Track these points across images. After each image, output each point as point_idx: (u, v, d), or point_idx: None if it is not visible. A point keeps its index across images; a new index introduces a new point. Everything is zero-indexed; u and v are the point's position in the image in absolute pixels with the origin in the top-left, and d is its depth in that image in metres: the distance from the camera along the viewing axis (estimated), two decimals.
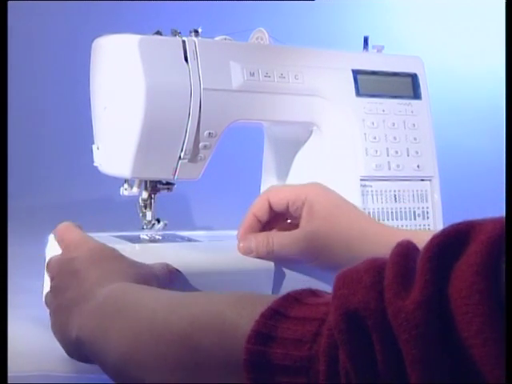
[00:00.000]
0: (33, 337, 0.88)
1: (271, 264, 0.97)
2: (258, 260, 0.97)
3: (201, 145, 1.02)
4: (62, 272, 0.81)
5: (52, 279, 0.83)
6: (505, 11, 1.11)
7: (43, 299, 0.86)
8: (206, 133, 1.02)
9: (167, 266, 0.90)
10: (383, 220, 1.11)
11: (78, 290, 0.77)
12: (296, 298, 0.58)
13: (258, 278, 0.96)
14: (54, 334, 0.80)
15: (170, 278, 0.89)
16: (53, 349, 0.82)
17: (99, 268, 0.80)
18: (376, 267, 0.54)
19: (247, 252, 0.97)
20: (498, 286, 0.48)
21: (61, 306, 0.78)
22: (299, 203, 0.96)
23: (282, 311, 0.57)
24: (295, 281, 0.97)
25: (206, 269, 0.95)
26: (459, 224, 0.53)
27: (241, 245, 0.98)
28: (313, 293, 0.60)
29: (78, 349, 0.74)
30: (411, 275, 0.52)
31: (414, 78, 1.18)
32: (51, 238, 1.02)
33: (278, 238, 0.96)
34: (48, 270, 0.86)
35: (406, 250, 0.54)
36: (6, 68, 0.95)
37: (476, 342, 0.48)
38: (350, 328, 0.52)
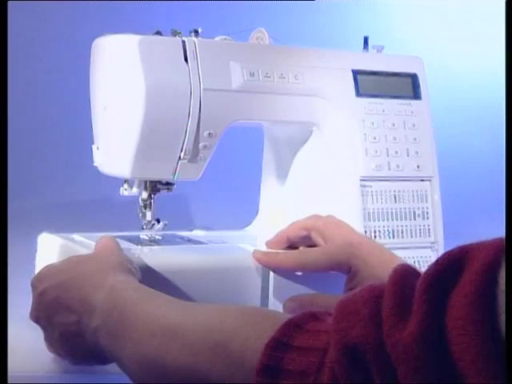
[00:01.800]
0: (33, 337, 0.88)
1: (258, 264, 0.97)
2: (246, 259, 0.97)
3: (201, 145, 1.02)
4: (44, 307, 0.81)
5: (37, 319, 0.82)
6: (505, 11, 1.11)
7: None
8: (205, 133, 1.01)
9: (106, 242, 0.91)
10: (383, 220, 1.11)
11: (68, 314, 0.77)
12: (297, 325, 0.59)
13: (246, 276, 0.96)
14: (67, 355, 0.80)
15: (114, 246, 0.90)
16: None
17: (72, 284, 0.79)
18: (373, 297, 0.54)
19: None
20: (493, 314, 0.49)
21: (63, 333, 0.78)
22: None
23: (286, 341, 0.58)
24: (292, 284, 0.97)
25: (194, 268, 0.95)
26: (453, 251, 0.53)
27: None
28: (314, 316, 0.60)
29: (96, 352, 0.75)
30: (408, 305, 0.52)
31: (413, 78, 1.18)
32: (40, 238, 1.02)
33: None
34: (30, 317, 0.84)
35: (402, 278, 0.55)
36: (6, 68, 0.96)
37: (470, 372, 0.48)
38: (350, 362, 0.53)
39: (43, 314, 0.80)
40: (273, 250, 0.99)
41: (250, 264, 0.97)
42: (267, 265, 0.96)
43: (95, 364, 0.79)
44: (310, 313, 0.60)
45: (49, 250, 1.01)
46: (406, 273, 0.55)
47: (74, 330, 0.76)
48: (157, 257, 0.96)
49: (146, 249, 1.00)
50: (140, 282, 0.82)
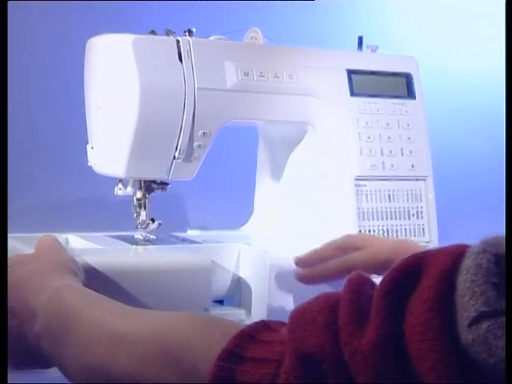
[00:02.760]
0: None
1: (209, 264, 0.95)
2: (195, 259, 0.95)
3: (195, 144, 1.02)
4: None
5: None
6: (505, 11, 1.11)
7: None
8: (200, 132, 1.01)
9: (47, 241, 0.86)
10: (377, 219, 1.11)
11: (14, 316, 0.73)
12: (251, 336, 0.57)
13: (196, 277, 0.95)
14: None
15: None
16: None
17: (16, 282, 0.75)
18: (329, 306, 0.54)
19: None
20: (452, 320, 0.49)
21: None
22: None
23: (238, 352, 0.56)
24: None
25: (143, 269, 0.92)
26: (410, 257, 0.53)
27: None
28: (267, 326, 0.59)
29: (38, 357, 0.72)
30: (365, 312, 0.52)
31: (408, 77, 1.18)
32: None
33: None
34: None
35: (357, 286, 0.54)
36: (6, 68, 0.95)
37: (430, 378, 0.48)
38: (306, 372, 0.52)
39: None
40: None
41: (198, 265, 0.94)
42: (312, 274, 0.93)
43: (36, 368, 0.76)
44: (263, 323, 0.59)
45: None
46: (361, 281, 0.55)
47: (15, 334, 0.72)
48: (100, 257, 0.92)
49: (90, 250, 0.97)
50: (84, 283, 0.78)
